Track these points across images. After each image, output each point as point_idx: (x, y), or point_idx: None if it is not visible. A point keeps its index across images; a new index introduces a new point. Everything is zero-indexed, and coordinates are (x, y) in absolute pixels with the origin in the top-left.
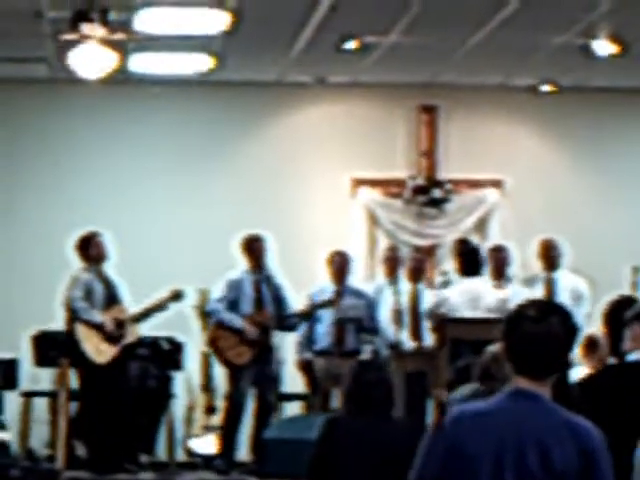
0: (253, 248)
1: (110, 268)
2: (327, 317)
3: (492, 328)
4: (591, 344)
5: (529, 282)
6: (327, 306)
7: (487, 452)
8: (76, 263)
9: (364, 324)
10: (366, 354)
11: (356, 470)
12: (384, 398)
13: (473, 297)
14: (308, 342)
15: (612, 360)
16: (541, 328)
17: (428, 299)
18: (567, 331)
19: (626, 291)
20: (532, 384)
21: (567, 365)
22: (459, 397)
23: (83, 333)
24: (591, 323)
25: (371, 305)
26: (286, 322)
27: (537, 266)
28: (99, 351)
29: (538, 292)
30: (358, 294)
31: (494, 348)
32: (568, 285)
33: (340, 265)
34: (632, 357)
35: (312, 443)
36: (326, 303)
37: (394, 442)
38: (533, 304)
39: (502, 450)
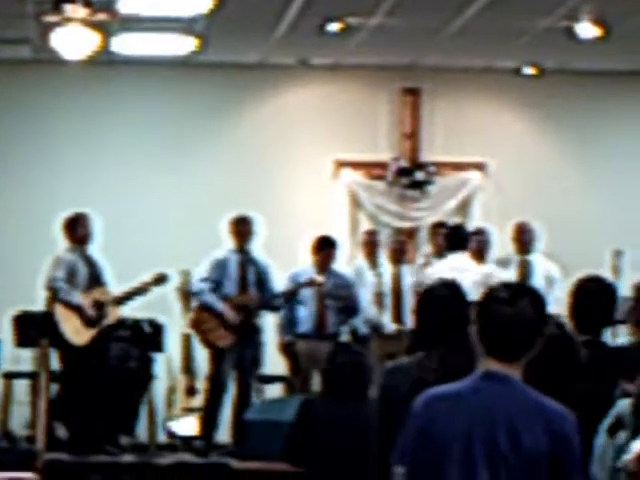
0: (240, 230)
1: (94, 249)
2: (309, 300)
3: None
4: None
5: (503, 264)
6: (311, 285)
7: (457, 434)
8: (61, 244)
9: (348, 304)
10: (345, 335)
11: (331, 451)
12: (358, 380)
13: (458, 271)
14: (290, 325)
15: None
16: (512, 310)
17: (409, 281)
18: (538, 313)
19: (608, 274)
20: (503, 366)
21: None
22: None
23: (62, 314)
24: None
25: (354, 287)
26: (270, 302)
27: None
28: (77, 332)
29: (512, 274)
30: (340, 277)
31: None
32: (541, 269)
33: (327, 256)
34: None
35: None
36: (310, 282)
37: (368, 424)
38: (505, 287)
39: (472, 432)
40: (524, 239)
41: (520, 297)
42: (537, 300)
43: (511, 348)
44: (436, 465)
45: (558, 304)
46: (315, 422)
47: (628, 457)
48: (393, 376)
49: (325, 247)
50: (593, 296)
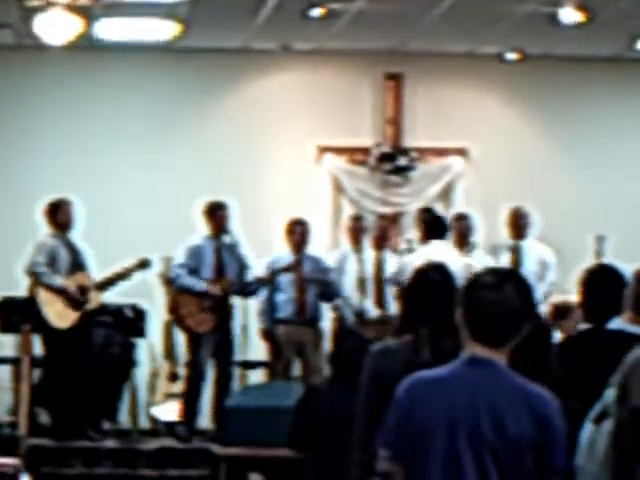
0: (215, 215)
1: (76, 235)
2: (288, 285)
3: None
4: (563, 310)
5: (496, 250)
6: (288, 271)
7: (440, 419)
8: (42, 230)
9: (328, 289)
10: (327, 321)
11: (334, 437)
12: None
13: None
14: (270, 310)
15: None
16: (496, 295)
17: (391, 267)
18: (523, 299)
19: (590, 260)
20: (488, 351)
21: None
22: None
23: (45, 298)
24: (557, 291)
25: (331, 271)
26: (247, 288)
27: (504, 234)
28: (60, 316)
29: (504, 260)
30: (316, 261)
31: None
32: (535, 254)
33: (301, 235)
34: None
35: (275, 411)
36: (287, 268)
37: None
38: (490, 272)
39: (455, 417)
40: (519, 224)
41: (505, 282)
42: (522, 285)
43: (496, 333)
44: (420, 450)
45: (553, 288)
46: (321, 408)
47: None
48: (384, 359)
49: (298, 228)
50: (603, 284)
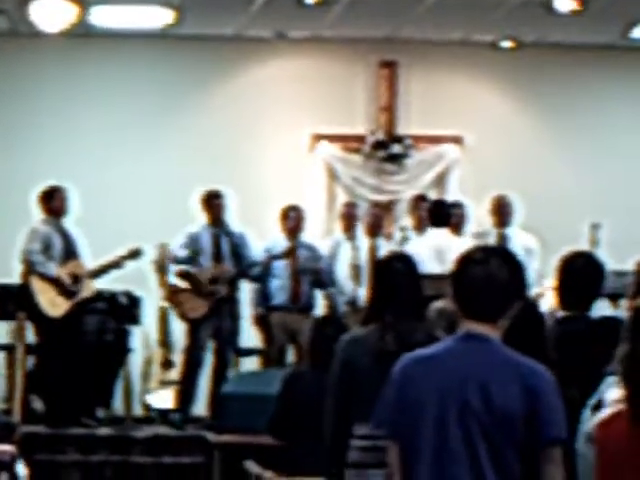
0: (212, 204)
1: (71, 223)
2: (283, 272)
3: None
4: None
5: (481, 236)
6: (285, 257)
7: (432, 394)
8: (36, 217)
9: (321, 277)
10: (321, 309)
11: (316, 424)
12: None
13: (439, 250)
14: (263, 297)
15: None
16: (482, 270)
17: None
18: (511, 273)
19: (585, 247)
20: (481, 327)
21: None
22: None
23: (38, 286)
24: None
25: (325, 259)
26: (247, 271)
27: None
28: (53, 304)
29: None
30: (311, 249)
31: (440, 304)
32: (520, 241)
33: (296, 221)
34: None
35: (269, 398)
36: (284, 254)
37: None
38: (478, 249)
39: (446, 391)
40: (502, 212)
41: (491, 257)
42: (510, 260)
43: (485, 307)
44: (412, 427)
45: (537, 275)
46: (301, 395)
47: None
48: (353, 347)
49: (292, 213)
50: (581, 271)
